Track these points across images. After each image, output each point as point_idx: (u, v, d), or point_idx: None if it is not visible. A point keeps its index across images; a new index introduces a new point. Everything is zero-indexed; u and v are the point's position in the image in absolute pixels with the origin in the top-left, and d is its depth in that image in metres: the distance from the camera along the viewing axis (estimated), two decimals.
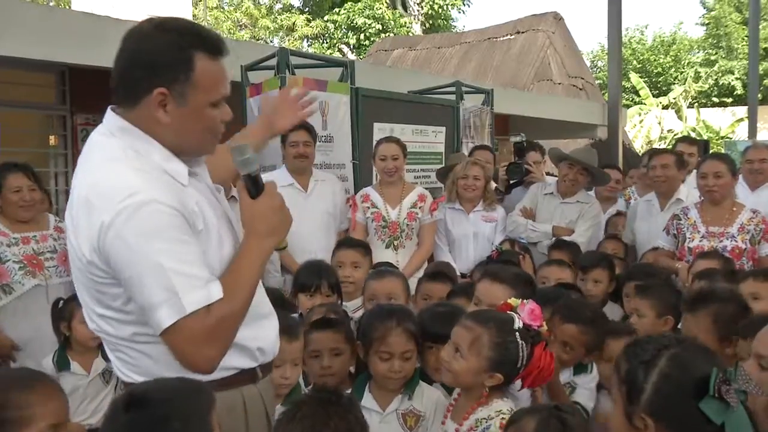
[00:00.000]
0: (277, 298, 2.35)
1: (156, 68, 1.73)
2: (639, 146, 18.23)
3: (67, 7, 7.71)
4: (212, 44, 1.78)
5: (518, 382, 2.15)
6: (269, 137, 2.47)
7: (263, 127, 2.44)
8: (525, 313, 2.12)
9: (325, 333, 2.54)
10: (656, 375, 1.47)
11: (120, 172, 1.69)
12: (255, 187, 1.83)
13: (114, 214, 1.63)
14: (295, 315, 3.09)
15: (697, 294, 2.66)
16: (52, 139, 6.69)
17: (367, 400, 2.38)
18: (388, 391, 2.39)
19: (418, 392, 2.39)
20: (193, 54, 1.74)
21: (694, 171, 4.76)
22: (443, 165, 5.82)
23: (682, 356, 1.49)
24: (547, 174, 6.16)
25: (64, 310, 3.32)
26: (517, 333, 2.07)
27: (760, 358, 1.83)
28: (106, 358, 3.20)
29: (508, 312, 2.14)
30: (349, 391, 2.40)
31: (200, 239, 1.75)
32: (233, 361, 1.83)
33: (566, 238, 4.70)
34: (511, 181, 5.65)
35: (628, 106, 20.52)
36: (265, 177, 4.92)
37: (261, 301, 1.94)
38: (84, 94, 6.41)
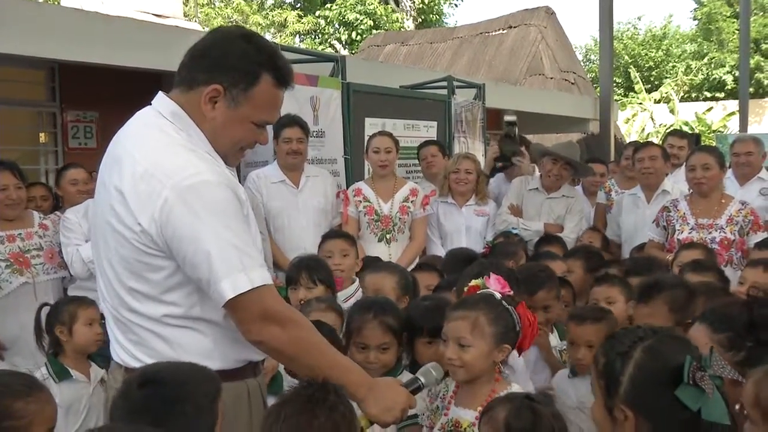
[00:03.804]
0: None
1: (223, 66, 1.84)
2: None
3: (57, 3, 7.67)
4: (282, 74, 1.91)
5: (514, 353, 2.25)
6: None
7: None
8: (493, 284, 2.22)
9: None
10: (632, 366, 1.49)
11: (179, 152, 1.79)
12: (414, 390, 1.98)
13: (181, 189, 1.72)
14: None
15: (647, 284, 2.71)
16: (42, 136, 6.67)
17: None
18: None
19: None
20: (261, 72, 1.86)
21: (684, 164, 4.78)
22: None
23: (657, 347, 1.51)
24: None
25: (62, 313, 3.05)
26: (503, 302, 2.17)
27: None
28: (100, 366, 3.09)
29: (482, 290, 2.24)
30: None
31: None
32: (245, 353, 1.91)
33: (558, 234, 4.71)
34: (498, 165, 5.56)
35: (622, 104, 20.58)
36: (256, 173, 4.89)
37: None
38: (74, 90, 6.39)
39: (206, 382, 1.61)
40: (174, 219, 1.71)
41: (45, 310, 3.14)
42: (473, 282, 2.26)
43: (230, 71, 1.83)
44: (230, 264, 1.72)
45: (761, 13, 25.49)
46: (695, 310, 2.50)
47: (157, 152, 1.79)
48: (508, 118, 5.67)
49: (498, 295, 2.19)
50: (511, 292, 2.24)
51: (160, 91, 1.93)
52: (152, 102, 1.92)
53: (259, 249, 1.94)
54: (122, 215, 1.77)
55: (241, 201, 1.83)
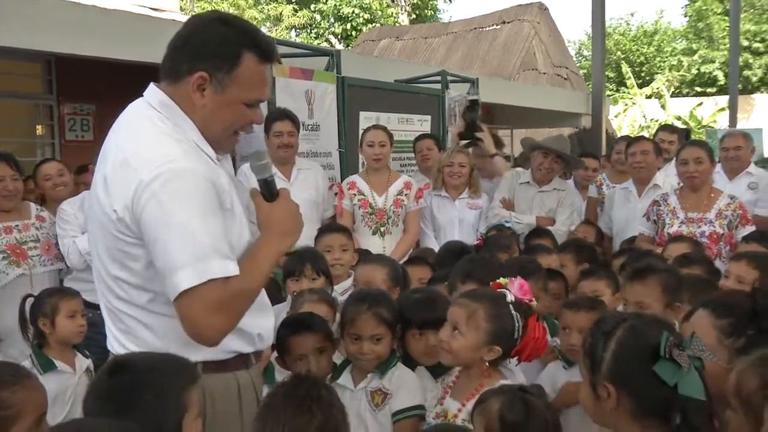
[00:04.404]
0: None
1: (204, 53, 1.83)
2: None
3: None
4: (264, 49, 1.88)
5: (514, 360, 2.25)
6: None
7: None
8: (515, 288, 2.23)
9: (305, 336, 2.50)
10: (614, 343, 1.56)
11: (160, 140, 1.79)
12: (270, 191, 1.91)
13: (153, 176, 1.71)
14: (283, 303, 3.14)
15: (643, 265, 2.79)
16: (39, 129, 6.69)
17: (344, 378, 2.46)
18: (362, 371, 2.46)
19: (391, 372, 2.43)
20: (242, 51, 1.84)
21: (674, 159, 4.84)
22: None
23: (639, 326, 1.59)
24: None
25: (45, 305, 3.06)
26: (510, 305, 2.18)
27: None
28: (86, 356, 3.14)
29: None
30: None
31: (226, 217, 1.83)
32: (232, 345, 1.89)
33: (549, 227, 4.76)
34: (464, 140, 5.57)
35: (614, 99, 20.64)
36: (247, 166, 4.88)
37: (262, 292, 2.01)
38: (71, 83, 6.41)
39: (177, 371, 1.60)
40: (143, 205, 1.71)
41: (29, 302, 3.15)
42: (499, 280, 2.28)
43: (212, 57, 1.82)
44: (186, 254, 1.68)
45: (751, 10, 25.56)
46: (683, 297, 2.61)
47: (142, 141, 1.79)
48: (471, 97, 5.68)
49: (510, 298, 2.19)
50: (532, 301, 2.24)
51: (152, 83, 1.94)
52: (144, 93, 1.93)
53: (244, 239, 1.92)
54: (104, 203, 1.79)
55: (219, 191, 1.81)
